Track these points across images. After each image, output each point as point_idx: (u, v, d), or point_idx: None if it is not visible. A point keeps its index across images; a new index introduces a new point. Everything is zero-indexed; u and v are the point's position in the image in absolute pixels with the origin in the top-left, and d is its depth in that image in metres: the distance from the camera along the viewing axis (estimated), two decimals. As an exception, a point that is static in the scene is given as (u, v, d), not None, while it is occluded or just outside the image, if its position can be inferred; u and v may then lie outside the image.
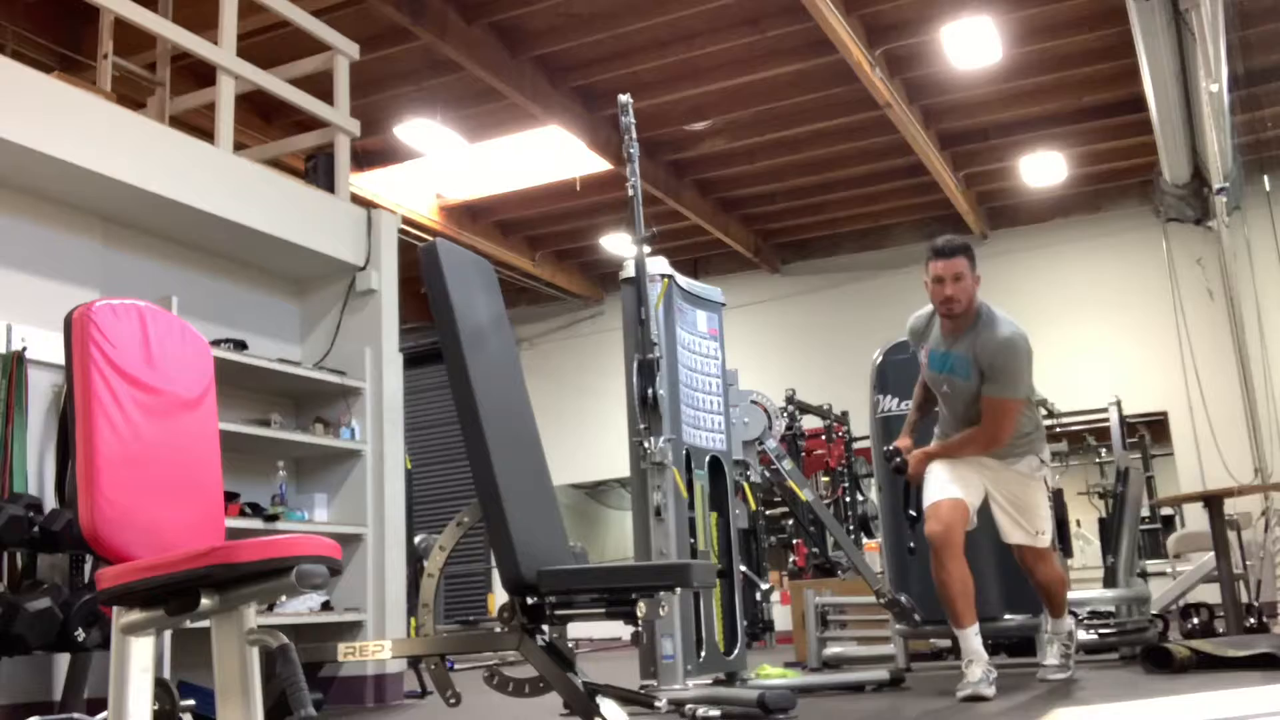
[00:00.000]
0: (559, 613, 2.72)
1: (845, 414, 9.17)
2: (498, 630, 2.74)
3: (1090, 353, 10.37)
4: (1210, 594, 6.17)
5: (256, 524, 4.50)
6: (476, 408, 2.78)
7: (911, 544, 4.45)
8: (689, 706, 3.15)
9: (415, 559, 6.39)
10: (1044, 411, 7.67)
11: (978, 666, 3.69)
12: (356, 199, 5.69)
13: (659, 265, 4.15)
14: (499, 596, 4.63)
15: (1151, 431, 10.63)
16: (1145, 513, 8.97)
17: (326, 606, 4.78)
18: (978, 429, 3.90)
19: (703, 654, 3.98)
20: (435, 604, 2.94)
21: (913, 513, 4.10)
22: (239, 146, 5.08)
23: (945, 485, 3.88)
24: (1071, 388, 9.47)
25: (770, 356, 11.05)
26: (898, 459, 4.08)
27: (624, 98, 3.97)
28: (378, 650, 2.89)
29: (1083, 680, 4.15)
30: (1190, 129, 8.10)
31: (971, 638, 3.74)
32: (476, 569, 10.02)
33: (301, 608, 4.62)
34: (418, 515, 7.52)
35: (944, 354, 3.95)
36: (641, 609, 2.64)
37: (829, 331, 11.42)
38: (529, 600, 2.68)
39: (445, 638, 3.09)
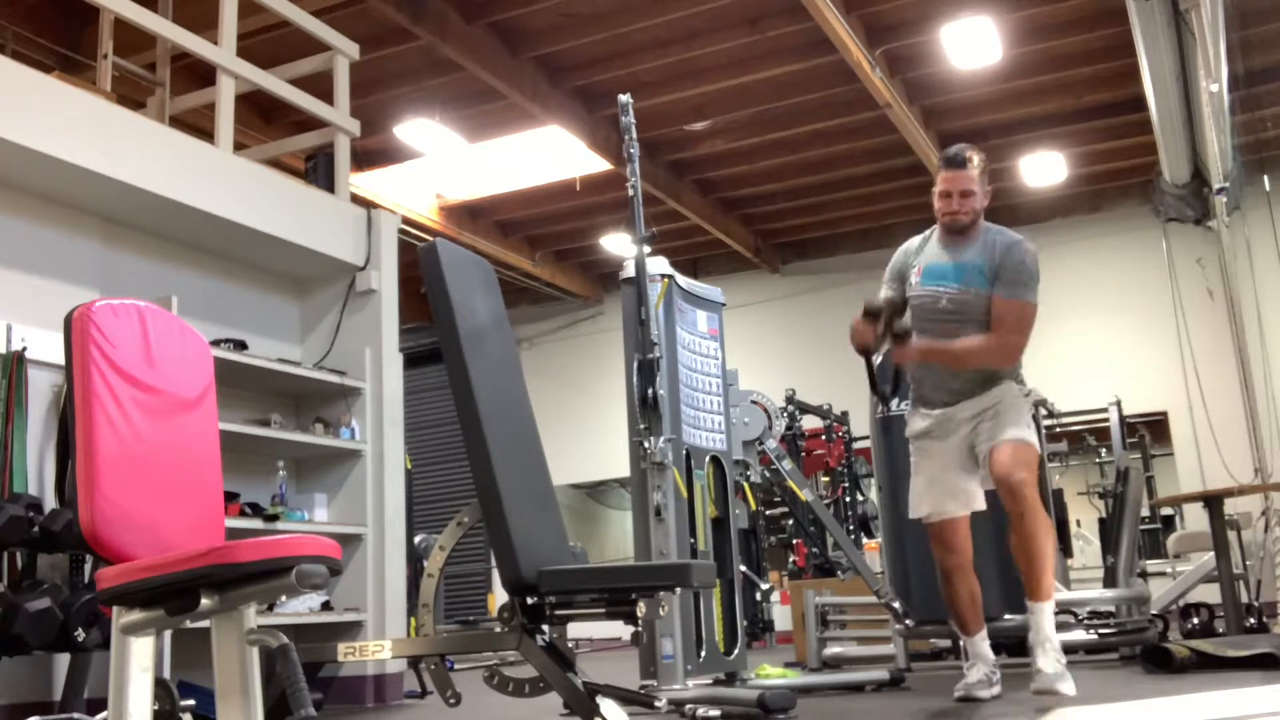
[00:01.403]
0: (559, 613, 2.71)
1: (845, 414, 9.17)
2: (498, 630, 2.73)
3: (1090, 353, 10.37)
4: (1210, 594, 6.17)
5: (256, 524, 4.50)
6: (476, 408, 2.77)
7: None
8: (689, 706, 3.15)
9: (415, 559, 6.39)
10: (1044, 411, 7.69)
11: (980, 668, 3.68)
12: (356, 199, 5.69)
13: (659, 265, 4.15)
14: (499, 596, 4.63)
15: (1151, 431, 10.64)
16: (1145, 513, 8.99)
17: (326, 606, 4.78)
18: (992, 337, 3.54)
19: (703, 654, 3.98)
20: (435, 604, 2.94)
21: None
22: (239, 146, 5.08)
23: (939, 499, 3.66)
24: (1071, 388, 9.47)
25: (770, 356, 11.05)
26: (898, 330, 3.66)
27: (624, 98, 3.97)
28: (378, 650, 2.89)
29: (1083, 680, 4.15)
30: (1190, 129, 8.10)
31: (978, 643, 3.72)
32: (476, 569, 10.01)
33: (301, 608, 4.62)
34: (418, 515, 7.51)
35: (948, 265, 3.66)
36: (641, 609, 2.63)
37: (829, 331, 11.32)
38: (529, 600, 2.68)
39: (445, 638, 3.09)
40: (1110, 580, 5.61)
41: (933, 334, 3.66)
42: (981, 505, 3.69)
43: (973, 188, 3.64)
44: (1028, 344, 3.59)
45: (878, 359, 3.83)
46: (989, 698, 3.62)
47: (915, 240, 3.87)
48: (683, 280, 4.37)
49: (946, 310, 3.64)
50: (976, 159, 3.67)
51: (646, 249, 3.92)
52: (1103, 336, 10.50)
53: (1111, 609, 5.27)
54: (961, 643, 3.85)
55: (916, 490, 3.74)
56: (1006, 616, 4.71)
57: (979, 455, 3.62)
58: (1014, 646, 5.19)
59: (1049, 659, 3.40)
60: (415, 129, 8.61)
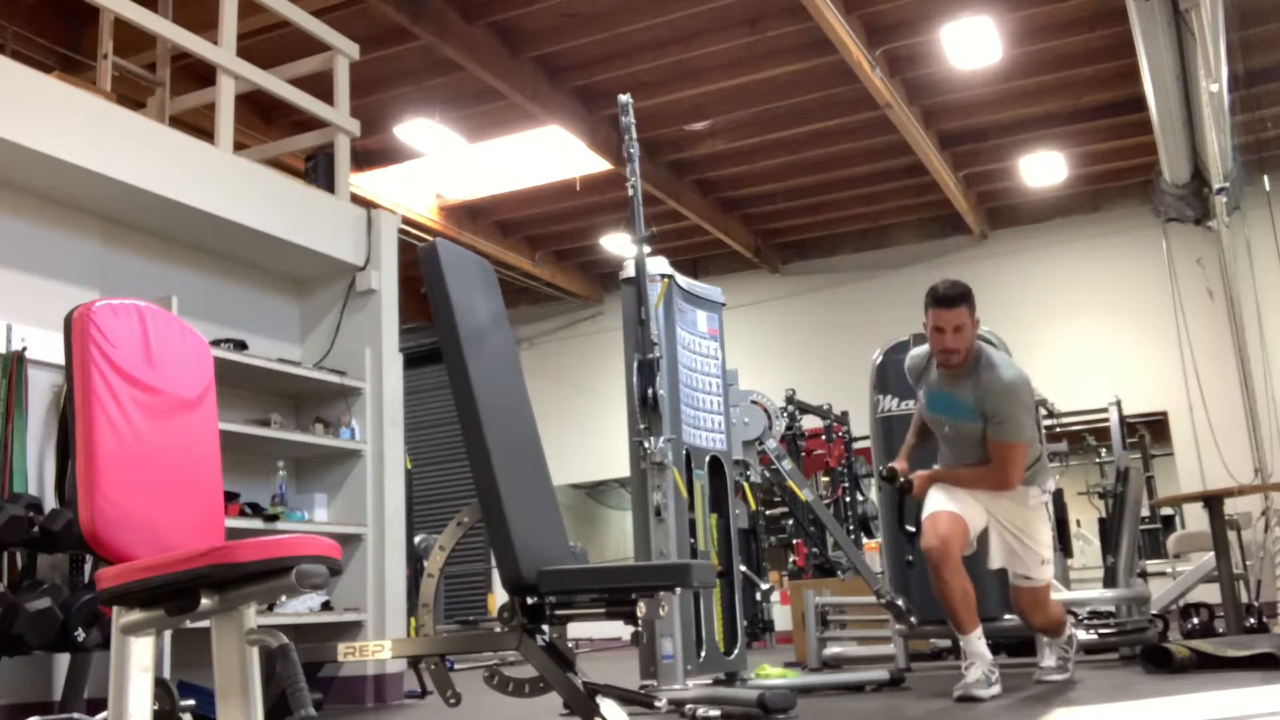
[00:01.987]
0: (559, 613, 2.71)
1: (845, 414, 9.17)
2: (498, 630, 2.73)
3: (1090, 353, 10.38)
4: (1210, 594, 6.17)
5: (256, 524, 4.50)
6: (476, 408, 2.77)
7: (909, 557, 4.43)
8: (689, 706, 3.15)
9: (415, 559, 6.39)
10: (1044, 411, 7.69)
11: (979, 668, 3.69)
12: (356, 199, 5.69)
13: (659, 265, 4.15)
14: (499, 596, 4.63)
15: (1151, 431, 10.64)
16: (1145, 513, 8.98)
17: (326, 606, 4.78)
18: (987, 470, 3.88)
19: (703, 654, 3.98)
20: (435, 604, 2.94)
21: (910, 528, 4.13)
22: (239, 146, 5.08)
23: (944, 501, 3.87)
24: (1071, 388, 9.48)
25: (770, 356, 11.05)
26: (901, 480, 4.05)
27: (624, 98, 3.96)
28: (378, 650, 2.88)
29: (1083, 680, 4.15)
30: (1190, 129, 8.10)
31: (974, 641, 3.75)
32: (476, 569, 10.01)
33: (301, 608, 4.62)
34: (418, 515, 7.51)
35: (944, 396, 3.94)
36: (641, 609, 2.63)
37: (829, 331, 11.42)
38: (529, 600, 2.68)
39: (445, 638, 3.09)
40: (1110, 580, 5.61)
41: (945, 445, 4.05)
42: (973, 542, 3.92)
43: (965, 322, 3.81)
44: (1023, 473, 3.89)
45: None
46: (989, 697, 3.63)
47: (920, 356, 4.09)
48: (683, 280, 4.37)
49: (949, 434, 4.00)
50: (965, 294, 3.85)
51: (646, 249, 3.92)
52: (1103, 336, 10.50)
53: (1111, 609, 5.27)
54: (959, 642, 3.86)
55: (931, 497, 3.94)
56: (1006, 617, 4.71)
57: (992, 525, 3.94)
58: (1014, 647, 5.20)
59: (1053, 654, 4.08)
60: (415, 129, 8.60)
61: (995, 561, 3.97)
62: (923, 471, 4.03)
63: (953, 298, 3.80)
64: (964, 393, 3.86)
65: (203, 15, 5.11)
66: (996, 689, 3.68)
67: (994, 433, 3.82)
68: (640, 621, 2.65)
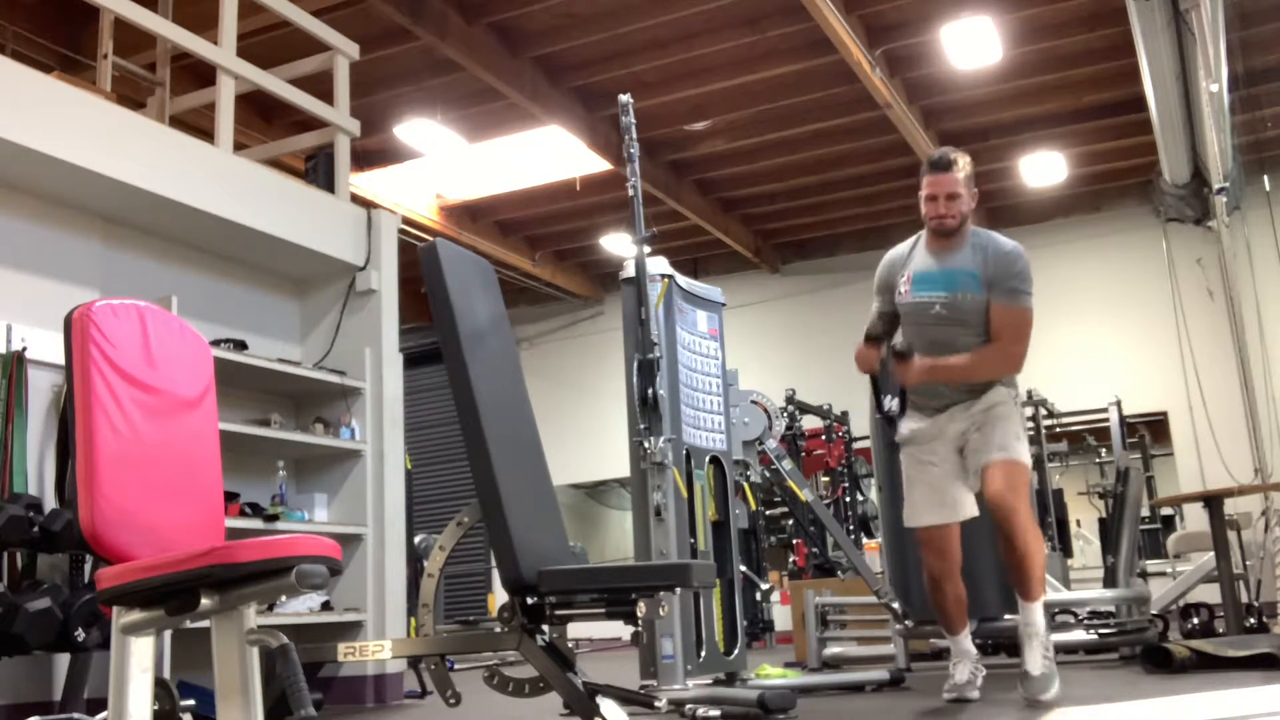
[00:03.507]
0: (559, 613, 2.71)
1: (845, 414, 9.18)
2: (498, 630, 2.73)
3: (1090, 353, 10.38)
4: (1210, 594, 6.17)
5: (256, 524, 4.50)
6: (476, 408, 2.77)
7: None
8: (689, 706, 3.15)
9: (415, 559, 6.39)
10: (1044, 411, 7.70)
11: (965, 665, 3.70)
12: (356, 199, 5.69)
13: (659, 265, 4.15)
14: (499, 596, 4.63)
15: (1151, 431, 10.64)
16: (1145, 513, 8.99)
17: (326, 606, 4.78)
18: (995, 347, 3.54)
19: (703, 654, 3.98)
20: (435, 604, 2.94)
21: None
22: (239, 146, 5.08)
23: (933, 510, 3.66)
24: (1071, 388, 9.48)
25: (770, 356, 11.05)
26: (899, 347, 3.61)
27: (624, 98, 3.97)
28: (378, 650, 2.89)
29: (1083, 680, 4.15)
30: (1190, 129, 8.10)
31: (962, 640, 3.75)
32: (476, 569, 10.02)
33: (301, 608, 4.62)
34: (418, 515, 7.51)
35: (939, 272, 3.62)
36: (641, 609, 2.63)
37: (829, 331, 11.40)
38: (529, 600, 2.68)
39: (445, 638, 3.09)
40: (1110, 580, 5.61)
41: (926, 340, 3.64)
42: (973, 512, 3.68)
43: (959, 190, 3.59)
44: (1027, 350, 3.60)
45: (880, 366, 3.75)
46: (978, 697, 3.64)
47: (901, 248, 3.81)
48: (683, 280, 4.37)
49: (940, 316, 3.63)
50: (961, 161, 3.63)
51: (646, 249, 3.92)
52: (1103, 336, 10.50)
53: (1111, 609, 5.27)
54: (947, 642, 3.85)
55: (913, 502, 3.74)
56: (1006, 617, 4.71)
57: (969, 466, 3.64)
58: (1013, 647, 5.20)
59: (1036, 656, 3.50)
60: (415, 129, 8.60)
61: (981, 458, 3.55)
62: (924, 360, 3.58)
63: (947, 163, 3.58)
64: (962, 261, 3.60)
65: (203, 15, 5.11)
66: (977, 693, 3.68)
67: (1007, 299, 3.51)
68: (640, 621, 2.65)
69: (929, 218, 3.64)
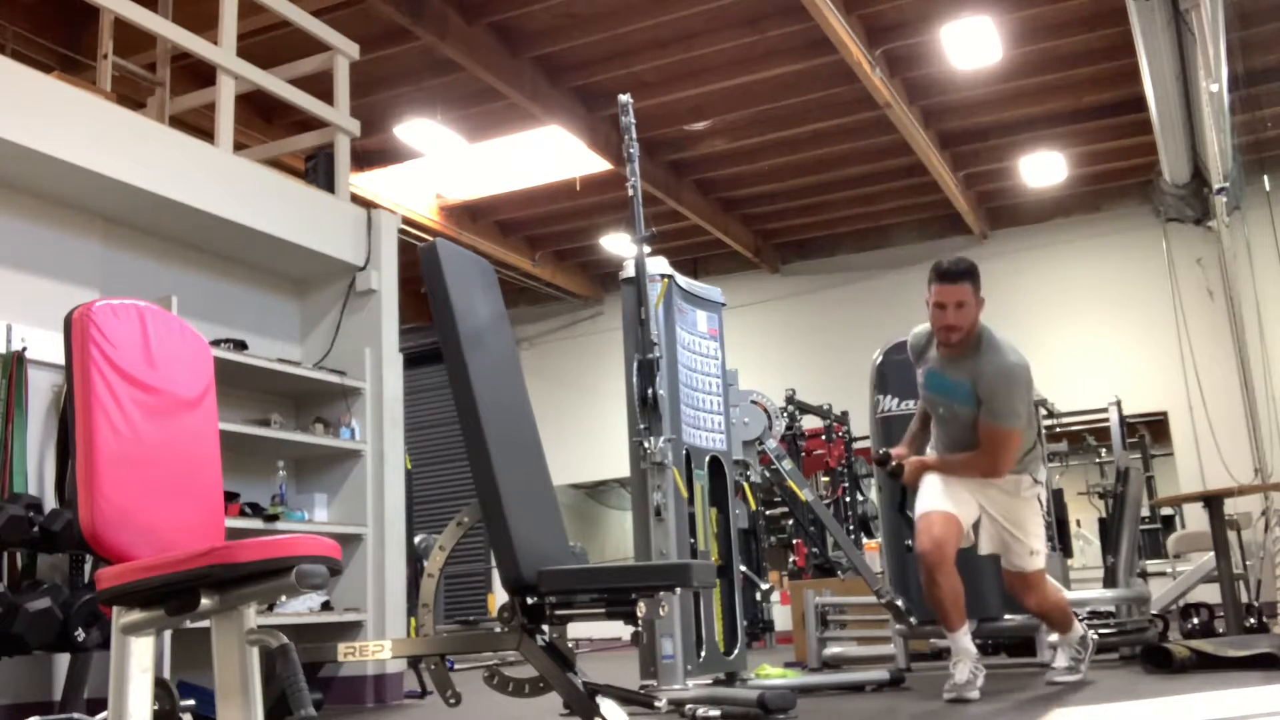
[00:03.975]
0: (559, 613, 2.71)
1: (845, 414, 9.17)
2: (498, 630, 2.73)
3: (1090, 353, 10.38)
4: (1210, 594, 6.17)
5: (256, 524, 4.50)
6: (476, 408, 2.77)
7: (909, 542, 4.40)
8: (689, 706, 3.15)
9: (415, 559, 6.39)
10: (1044, 411, 7.70)
11: (965, 665, 3.70)
12: (356, 199, 5.69)
13: (659, 265, 4.15)
14: (499, 596, 4.63)
15: (1151, 431, 10.64)
16: (1145, 513, 8.99)
17: (326, 606, 4.78)
18: (977, 455, 3.82)
19: (703, 654, 3.98)
20: (435, 604, 2.94)
21: (909, 513, 4.09)
22: (239, 146, 5.08)
23: (937, 499, 3.84)
24: (1071, 388, 9.47)
25: (770, 356, 11.05)
26: (892, 464, 4.03)
27: (624, 98, 3.97)
28: (378, 650, 2.89)
29: (1083, 680, 4.15)
30: (1190, 129, 8.10)
31: (961, 638, 3.76)
32: (476, 569, 10.01)
33: (301, 608, 4.62)
34: (418, 515, 7.51)
35: (942, 378, 3.88)
36: (641, 609, 2.63)
37: (829, 331, 11.42)
38: (529, 600, 2.68)
39: (445, 638, 3.09)
40: (1110, 580, 5.61)
41: (941, 431, 3.99)
42: (971, 522, 3.91)
43: (967, 299, 3.72)
44: (1013, 459, 3.83)
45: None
46: (978, 697, 3.63)
47: (924, 332, 4.00)
48: (683, 280, 4.37)
49: (944, 416, 3.94)
50: (969, 270, 3.76)
51: (646, 249, 3.92)
52: (1103, 336, 10.50)
53: (1111, 609, 5.27)
54: (947, 640, 3.86)
55: (923, 492, 3.90)
56: (1007, 617, 4.71)
57: (985, 515, 3.92)
58: (1014, 647, 5.20)
59: (1063, 659, 4.07)
60: (415, 129, 8.60)
61: (985, 548, 3.96)
62: (914, 458, 4.00)
63: (956, 273, 3.71)
64: (961, 374, 3.79)
65: (203, 15, 5.11)
66: (977, 693, 3.68)
67: (985, 416, 3.74)
68: (640, 621, 2.65)
69: (937, 328, 3.81)
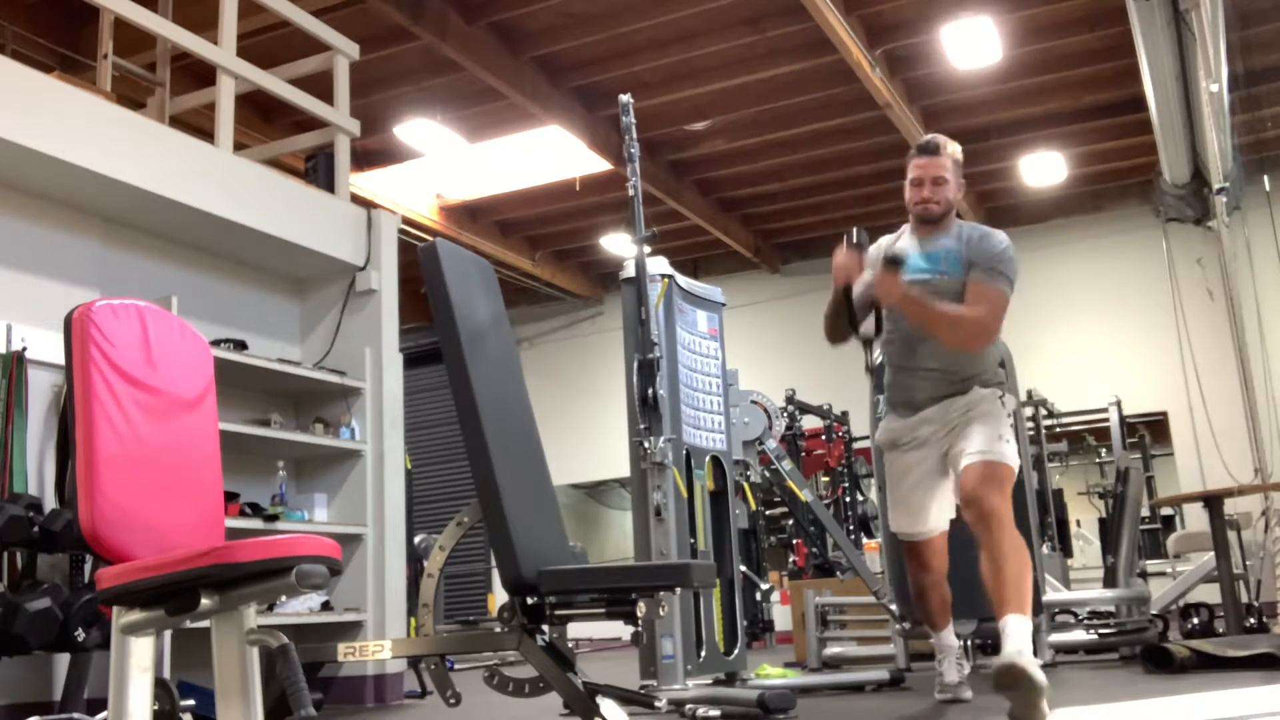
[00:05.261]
0: (559, 613, 2.71)
1: (845, 414, 9.17)
2: (498, 630, 2.73)
3: (1090, 353, 10.38)
4: (1210, 594, 6.17)
5: (256, 524, 4.50)
6: (476, 408, 2.77)
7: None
8: (689, 706, 3.15)
9: (415, 559, 6.39)
10: (1044, 411, 7.70)
11: (951, 662, 3.69)
12: (356, 199, 5.69)
13: (659, 265, 4.15)
14: (499, 596, 4.63)
15: (1151, 431, 10.64)
16: (1145, 513, 8.98)
17: (326, 606, 4.77)
18: (968, 310, 3.32)
19: (703, 654, 3.98)
20: (435, 604, 2.94)
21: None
22: (239, 146, 5.08)
23: (915, 516, 3.53)
24: (1071, 388, 9.48)
25: (770, 356, 11.04)
26: (891, 256, 3.34)
27: (625, 98, 3.97)
28: (378, 650, 2.89)
29: (1083, 680, 4.15)
30: (1190, 129, 8.10)
31: (945, 636, 3.74)
32: (476, 569, 10.01)
33: (301, 608, 4.62)
34: (418, 515, 7.51)
35: (920, 255, 3.45)
36: (641, 609, 2.64)
37: (829, 331, 11.39)
38: (529, 600, 2.68)
39: (445, 638, 3.09)
40: (1110, 580, 5.61)
41: (901, 332, 3.50)
42: (950, 516, 3.54)
43: (945, 175, 3.43)
44: (998, 332, 3.39)
45: (858, 290, 3.52)
46: (971, 697, 3.63)
47: (887, 238, 3.65)
48: (683, 280, 4.38)
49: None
50: (950, 147, 3.49)
51: (646, 249, 3.92)
52: (1103, 336, 10.50)
53: (1111, 609, 5.27)
54: (932, 640, 3.83)
55: (892, 509, 3.63)
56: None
57: (951, 467, 3.41)
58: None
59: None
60: (415, 129, 8.61)
61: (962, 456, 3.29)
62: (899, 283, 3.32)
63: (934, 146, 3.44)
64: (948, 243, 3.43)
65: (203, 15, 5.11)
66: (970, 692, 3.66)
67: (985, 277, 3.30)
68: (640, 621, 2.65)
69: (913, 202, 3.48)
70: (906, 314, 3.41)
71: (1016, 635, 2.96)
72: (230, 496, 4.48)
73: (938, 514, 3.52)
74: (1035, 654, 4.37)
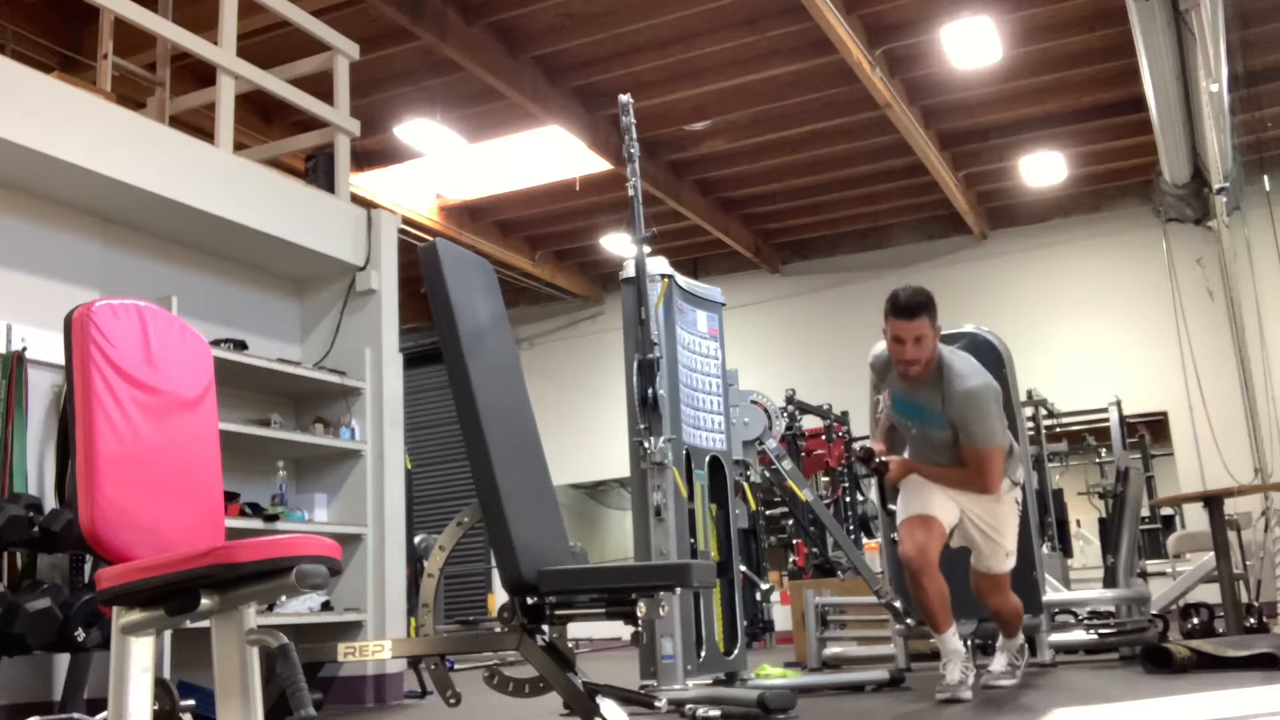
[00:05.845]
0: (559, 613, 2.72)
1: (845, 414, 9.17)
2: (498, 630, 2.73)
3: (1090, 353, 10.38)
4: (1210, 594, 6.17)
5: (256, 524, 4.50)
6: (476, 408, 2.77)
7: (894, 536, 4.32)
8: (689, 706, 3.15)
9: (415, 559, 6.39)
10: (1044, 411, 7.70)
11: (955, 665, 3.71)
12: (356, 199, 5.69)
13: (659, 265, 4.15)
14: (499, 596, 4.63)
15: (1151, 431, 10.64)
16: (1145, 513, 8.99)
17: (326, 606, 4.78)
18: (968, 474, 3.80)
19: (703, 654, 3.98)
20: (435, 604, 2.94)
21: (893, 508, 4.12)
22: (239, 146, 5.08)
23: (920, 502, 3.84)
24: (1071, 388, 9.48)
25: (770, 356, 11.05)
26: (877, 461, 3.96)
27: (624, 98, 3.97)
28: (378, 650, 2.89)
29: (1083, 680, 4.15)
30: (1190, 129, 8.10)
31: (950, 639, 3.76)
32: (476, 569, 10.01)
33: (301, 608, 4.62)
34: (418, 515, 7.51)
35: (911, 403, 3.85)
36: (641, 609, 2.64)
37: (829, 331, 11.42)
38: (529, 600, 2.68)
39: (445, 638, 3.09)
40: (1110, 580, 5.61)
41: (912, 442, 3.97)
42: (952, 522, 3.89)
43: (925, 332, 3.67)
44: (1001, 474, 3.81)
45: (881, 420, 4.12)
46: (970, 697, 3.64)
47: (883, 353, 3.92)
48: (683, 280, 4.37)
49: (918, 437, 3.92)
50: (923, 299, 3.70)
51: (646, 249, 3.92)
52: (1103, 336, 10.50)
53: (1111, 609, 5.27)
54: (934, 641, 3.86)
55: (905, 497, 3.94)
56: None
57: (965, 516, 3.88)
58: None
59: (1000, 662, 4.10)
60: (415, 129, 8.60)
61: (956, 542, 3.94)
62: (898, 458, 3.97)
63: (913, 307, 3.65)
64: (930, 400, 3.76)
65: (203, 15, 5.11)
66: (969, 693, 3.69)
67: (967, 440, 3.73)
68: (640, 621, 2.65)
69: (897, 362, 3.76)
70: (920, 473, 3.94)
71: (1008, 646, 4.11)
72: (230, 496, 4.48)
73: (947, 515, 3.85)
74: (1035, 654, 4.54)
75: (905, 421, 3.93)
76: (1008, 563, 3.92)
